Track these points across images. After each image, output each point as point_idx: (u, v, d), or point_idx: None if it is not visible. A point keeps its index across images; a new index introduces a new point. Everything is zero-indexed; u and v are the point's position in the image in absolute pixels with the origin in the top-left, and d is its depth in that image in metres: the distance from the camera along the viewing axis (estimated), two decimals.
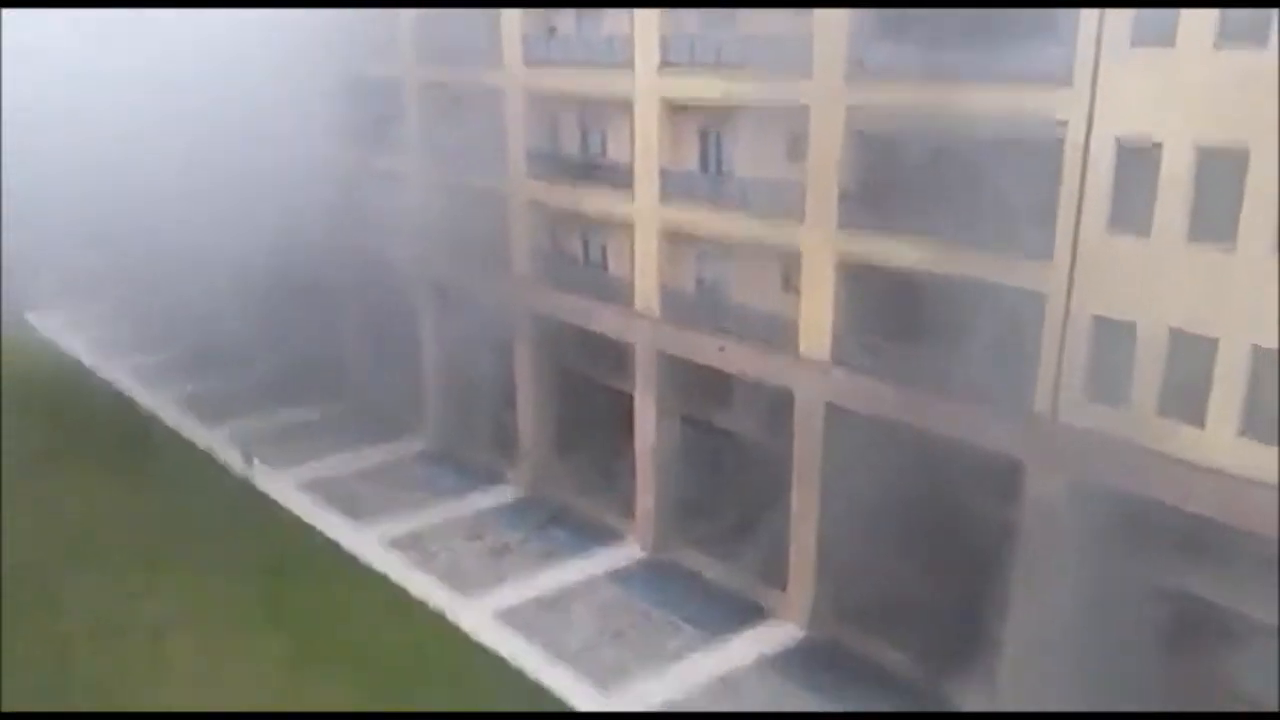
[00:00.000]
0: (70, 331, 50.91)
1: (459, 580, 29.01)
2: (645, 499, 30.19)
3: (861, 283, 24.35)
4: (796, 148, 25.31)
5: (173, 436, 38.99)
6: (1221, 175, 17.74)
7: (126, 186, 45.07)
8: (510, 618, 27.29)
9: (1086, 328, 19.94)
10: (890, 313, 23.77)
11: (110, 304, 52.49)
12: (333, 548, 30.94)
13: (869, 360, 23.99)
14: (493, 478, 34.91)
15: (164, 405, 41.68)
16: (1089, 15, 19.14)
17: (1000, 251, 20.95)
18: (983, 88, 20.77)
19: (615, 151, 30.24)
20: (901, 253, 22.80)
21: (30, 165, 49.14)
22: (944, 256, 21.86)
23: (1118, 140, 19.03)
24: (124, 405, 42.10)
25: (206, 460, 36.84)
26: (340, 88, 35.69)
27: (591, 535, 31.39)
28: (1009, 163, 20.50)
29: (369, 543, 31.09)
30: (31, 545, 30.17)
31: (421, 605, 27.91)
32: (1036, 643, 21.73)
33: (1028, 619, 21.89)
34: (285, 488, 34.55)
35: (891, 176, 23.69)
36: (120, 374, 45.23)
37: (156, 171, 42.82)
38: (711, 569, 28.87)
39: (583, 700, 24.05)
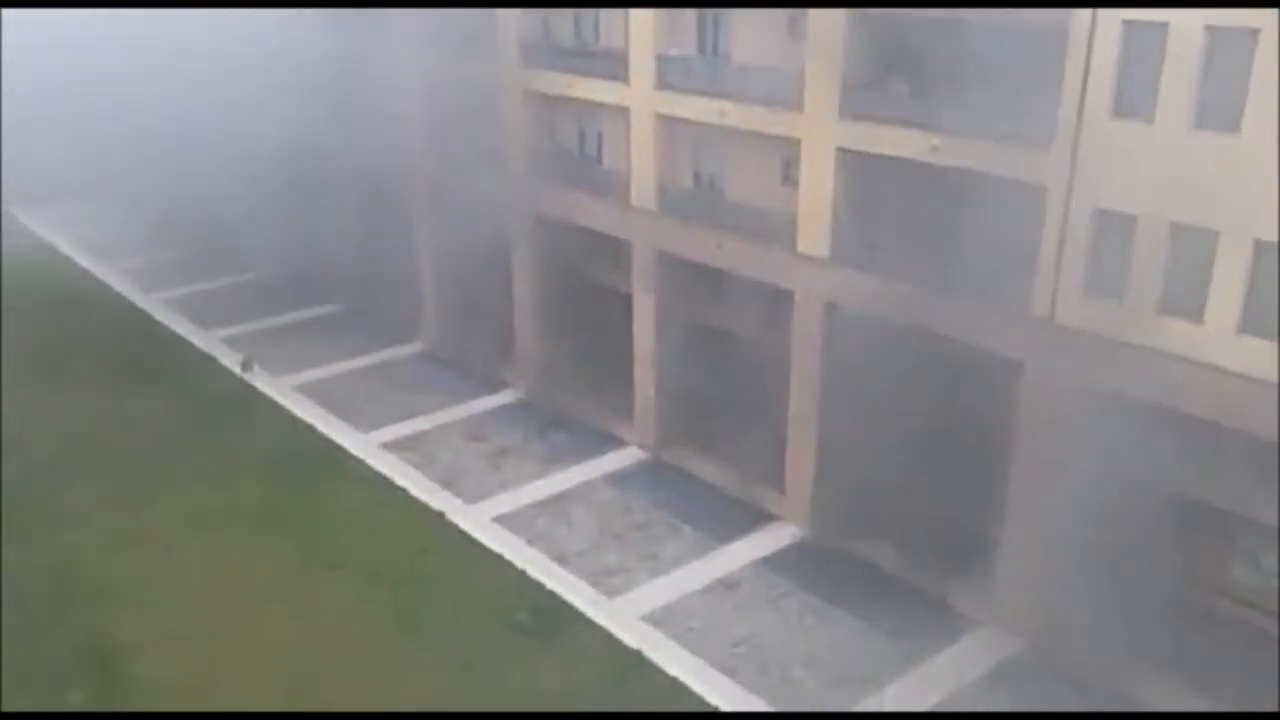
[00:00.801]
0: (63, 230, 51.63)
1: (460, 482, 29.95)
2: (644, 401, 30.79)
3: (861, 176, 24.34)
4: (796, 29, 25.05)
5: (171, 338, 39.91)
6: (1229, 58, 17.50)
7: (122, 85, 45.29)
8: (511, 520, 28.23)
9: (1087, 222, 19.95)
10: (891, 208, 23.80)
11: (105, 204, 53.07)
12: (335, 449, 31.92)
13: (868, 257, 24.11)
14: (492, 380, 35.59)
15: (161, 307, 42.54)
16: None
17: (1001, 141, 20.87)
18: None
19: (610, 36, 29.97)
20: (903, 142, 22.71)
21: (27, 63, 49.39)
22: (944, 146, 21.79)
23: (1123, 20, 18.71)
24: (121, 306, 42.95)
25: (206, 363, 37.78)
26: None
27: (591, 438, 32.12)
28: (1013, 46, 20.24)
29: (370, 445, 32.06)
30: (32, 451, 31.21)
31: (423, 506, 28.88)
32: (1033, 544, 22.33)
33: (1025, 520, 22.46)
34: (285, 390, 35.47)
35: (893, 60, 23.52)
36: (115, 275, 46.04)
37: (153, 71, 42.95)
38: (712, 471, 29.57)
39: (583, 601, 25.00)
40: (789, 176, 26.05)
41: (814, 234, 25.07)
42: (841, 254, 24.76)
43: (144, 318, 41.87)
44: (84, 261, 48.01)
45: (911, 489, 23.83)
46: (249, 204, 40.35)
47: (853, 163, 24.25)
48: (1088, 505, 20.75)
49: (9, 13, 50.85)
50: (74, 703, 21.82)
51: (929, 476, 23.49)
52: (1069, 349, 20.81)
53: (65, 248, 49.86)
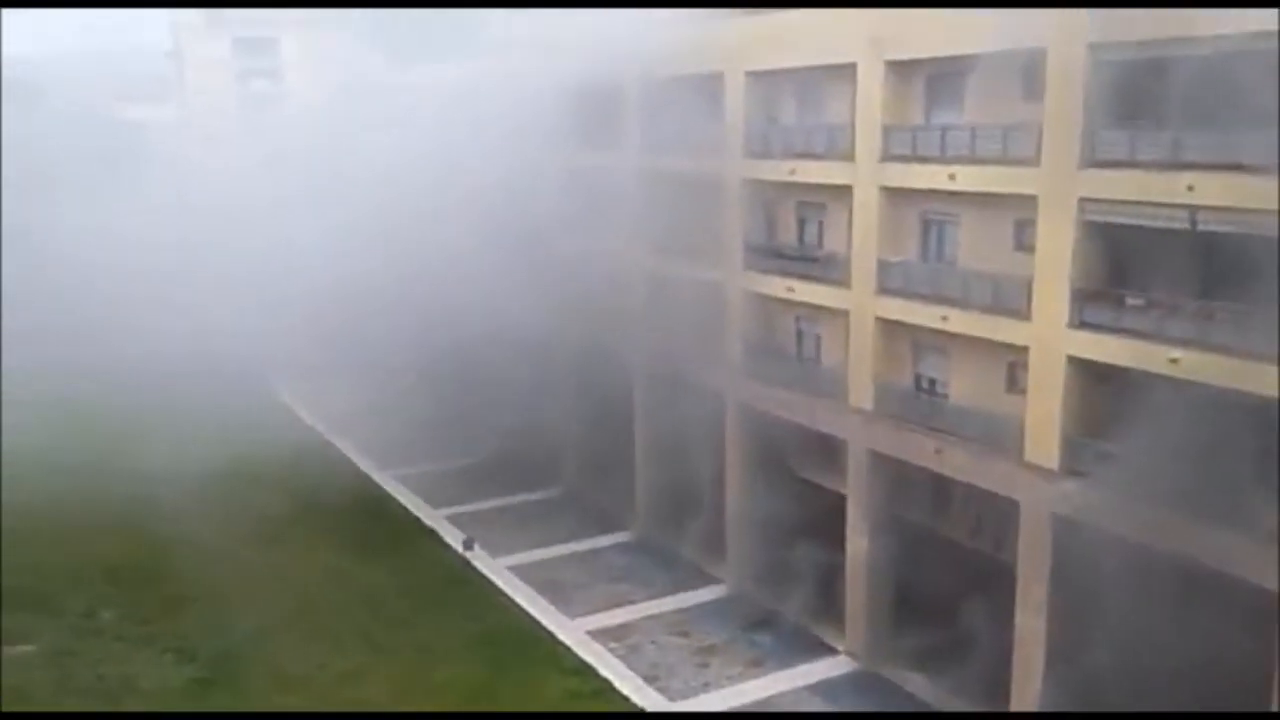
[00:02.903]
0: (311, 404, 55.87)
1: (664, 678, 29.55)
2: (855, 606, 29.79)
3: (1095, 386, 23.52)
4: (1024, 238, 25.03)
5: (401, 513, 42.04)
6: None
7: (367, 268, 49.47)
8: None
9: None
10: (1127, 420, 22.75)
11: (352, 383, 57.26)
12: (543, 633, 32.29)
13: (1102, 471, 22.96)
14: (701, 573, 35.46)
15: (394, 483, 45.03)
16: None
17: (1247, 356, 19.80)
18: (1222, 176, 20.02)
19: (832, 240, 30.79)
20: (1138, 355, 21.91)
21: (285, 248, 54.82)
22: (1185, 360, 20.86)
23: None
24: (359, 480, 45.72)
25: (431, 539, 39.50)
26: (563, 175, 38.16)
27: (798, 641, 31.21)
28: (1256, 256, 19.49)
29: (577, 631, 32.26)
30: (263, 612, 33.05)
31: (625, 700, 28.59)
32: None
33: None
34: (501, 570, 36.47)
35: (1126, 270, 23.02)
36: (355, 449, 49.23)
37: (393, 256, 46.89)
38: (925, 687, 28.02)
39: None
40: (1015, 384, 25.47)
41: (1042, 443, 24.19)
42: (1072, 465, 23.72)
43: (378, 492, 44.38)
44: (327, 434, 51.67)
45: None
46: (482, 389, 42.79)
47: (1085, 373, 23.53)
48: None
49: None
50: None
51: (1172, 712, 21.42)
52: None
53: (310, 419, 53.94)
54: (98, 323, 61.43)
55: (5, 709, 23.33)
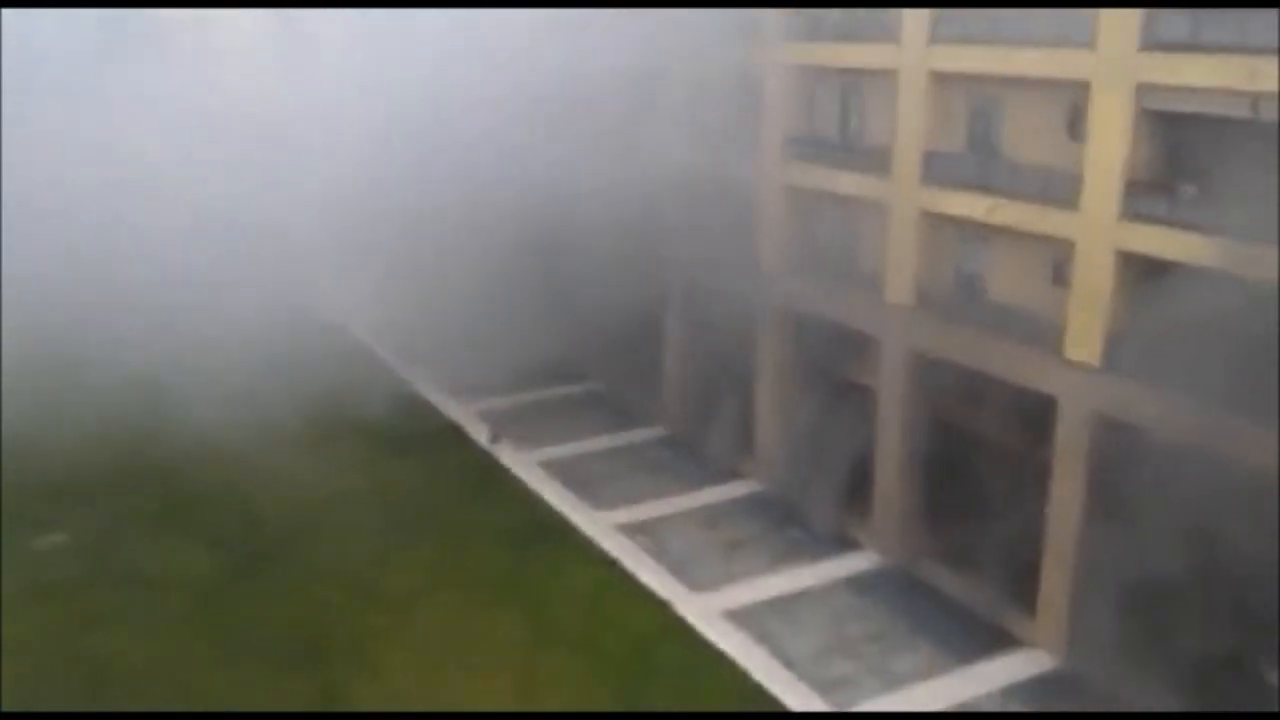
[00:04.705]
0: (348, 308, 55.37)
1: (690, 572, 29.87)
2: (885, 504, 29.87)
3: (1143, 281, 23.00)
4: (1076, 127, 24.28)
5: (428, 410, 42.20)
6: None
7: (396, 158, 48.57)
8: (739, 617, 27.83)
9: None
10: (1176, 316, 22.27)
11: (383, 278, 56.66)
12: (569, 528, 32.65)
13: (1147, 368, 22.57)
14: (731, 470, 35.58)
15: (422, 379, 45.06)
16: None
17: None
18: None
19: (874, 131, 30.02)
20: (1190, 249, 21.34)
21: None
22: (1241, 255, 20.27)
23: None
24: (390, 380, 45.44)
25: (458, 434, 39.72)
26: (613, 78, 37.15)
27: (828, 538, 31.38)
28: None
29: (603, 526, 32.58)
30: (300, 514, 33.35)
31: (650, 594, 28.97)
32: None
33: None
34: (530, 465, 36.77)
35: (1185, 162, 22.32)
36: (384, 346, 49.22)
37: (443, 152, 45.97)
38: (954, 584, 28.17)
39: (805, 708, 24.29)
40: (1060, 278, 24.98)
41: (1084, 340, 23.81)
42: (1115, 363, 23.34)
43: (406, 387, 44.39)
44: (361, 337, 51.29)
45: (1186, 625, 21.76)
46: (513, 283, 42.38)
47: (1133, 267, 23.00)
48: None
49: None
50: None
51: (1209, 615, 21.41)
52: None
53: (348, 323, 53.44)
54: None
55: (8, 704, 23.89)
